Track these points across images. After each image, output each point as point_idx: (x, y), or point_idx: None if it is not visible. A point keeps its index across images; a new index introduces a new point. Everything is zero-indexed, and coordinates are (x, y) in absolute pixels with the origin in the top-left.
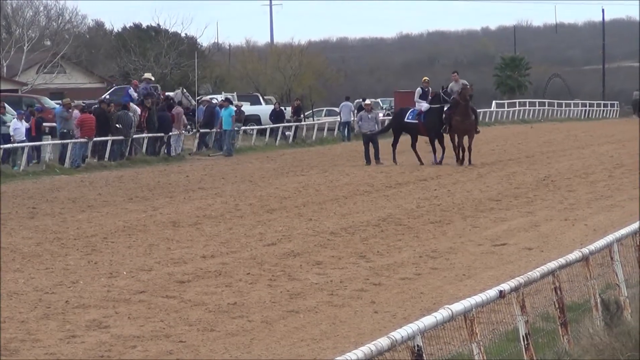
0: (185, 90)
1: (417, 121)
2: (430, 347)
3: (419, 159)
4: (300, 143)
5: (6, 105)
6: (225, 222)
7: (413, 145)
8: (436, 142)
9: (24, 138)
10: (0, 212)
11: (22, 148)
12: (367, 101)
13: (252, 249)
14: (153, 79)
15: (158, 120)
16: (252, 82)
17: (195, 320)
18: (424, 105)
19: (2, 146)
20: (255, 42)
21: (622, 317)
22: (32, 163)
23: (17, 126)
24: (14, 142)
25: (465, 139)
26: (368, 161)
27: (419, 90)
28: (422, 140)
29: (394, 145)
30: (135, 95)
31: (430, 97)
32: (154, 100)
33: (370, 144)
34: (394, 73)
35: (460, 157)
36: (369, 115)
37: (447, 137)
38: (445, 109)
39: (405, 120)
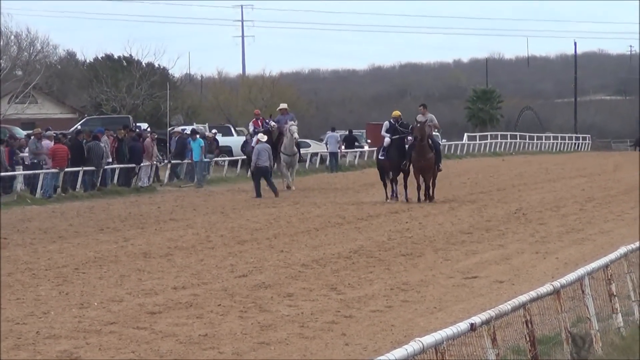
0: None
1: (383, 157)
2: None
3: (386, 194)
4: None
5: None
6: (197, 253)
7: (392, 179)
8: (401, 177)
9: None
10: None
11: None
12: (260, 134)
13: (223, 281)
14: (287, 107)
15: (129, 151)
16: (224, 113)
17: (166, 352)
18: (386, 140)
19: None
20: (227, 73)
21: (592, 350)
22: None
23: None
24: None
25: (424, 177)
26: (258, 194)
27: (386, 124)
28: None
29: (384, 184)
30: (273, 123)
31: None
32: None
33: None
34: (366, 105)
35: (419, 195)
36: (265, 147)
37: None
38: (408, 140)
39: (379, 157)
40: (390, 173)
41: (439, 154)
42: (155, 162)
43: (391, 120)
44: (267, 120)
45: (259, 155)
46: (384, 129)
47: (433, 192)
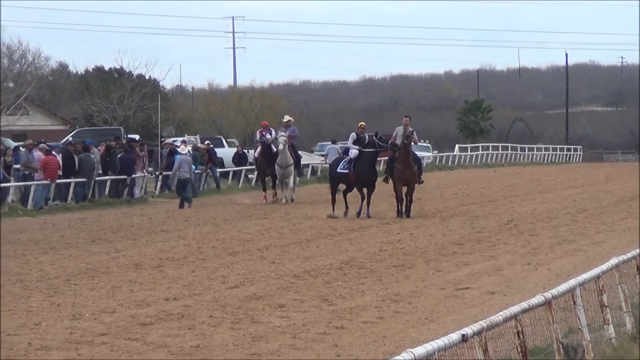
0: None
1: (347, 171)
2: None
3: (333, 208)
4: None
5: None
6: (188, 264)
7: (345, 192)
8: (365, 191)
9: None
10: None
11: None
12: (181, 147)
13: (215, 292)
14: (292, 119)
15: (120, 162)
16: (215, 125)
17: None
18: (353, 152)
19: None
20: (218, 84)
21: None
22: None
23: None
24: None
25: (406, 189)
26: (182, 206)
27: (353, 135)
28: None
29: (333, 198)
30: (269, 136)
31: (365, 143)
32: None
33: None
34: (357, 116)
35: (400, 209)
36: (186, 159)
37: (386, 187)
38: (379, 155)
39: (338, 170)
40: (346, 186)
41: (420, 167)
42: (144, 174)
43: (357, 132)
44: (264, 133)
45: (180, 167)
46: (350, 140)
47: (410, 208)
